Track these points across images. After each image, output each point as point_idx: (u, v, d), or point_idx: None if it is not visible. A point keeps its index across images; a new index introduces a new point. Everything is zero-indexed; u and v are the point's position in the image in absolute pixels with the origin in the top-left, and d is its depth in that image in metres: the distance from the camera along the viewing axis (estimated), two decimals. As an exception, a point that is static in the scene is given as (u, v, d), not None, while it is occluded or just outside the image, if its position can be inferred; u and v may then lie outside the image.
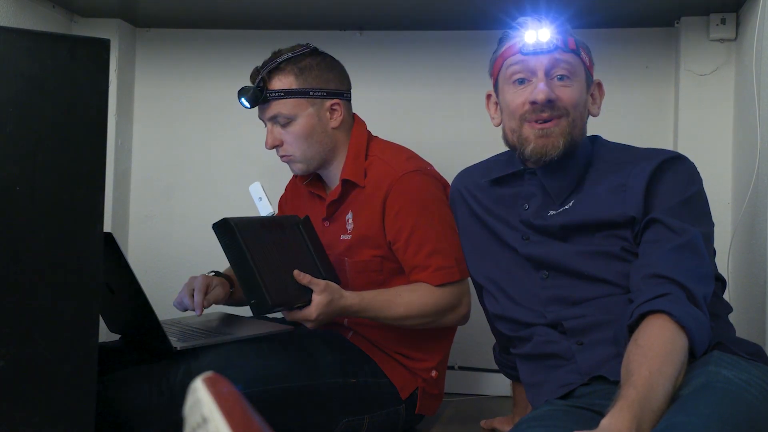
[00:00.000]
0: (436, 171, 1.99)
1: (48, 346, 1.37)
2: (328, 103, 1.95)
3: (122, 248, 2.01)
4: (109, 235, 1.69)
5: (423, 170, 1.94)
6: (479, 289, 1.77)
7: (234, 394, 0.96)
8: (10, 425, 1.34)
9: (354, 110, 2.05)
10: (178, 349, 1.77)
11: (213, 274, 2.08)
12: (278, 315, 2.10)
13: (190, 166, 2.71)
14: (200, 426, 0.94)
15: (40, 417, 1.36)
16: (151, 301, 1.78)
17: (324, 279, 1.80)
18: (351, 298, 1.82)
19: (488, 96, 1.70)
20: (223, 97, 2.59)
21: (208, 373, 0.97)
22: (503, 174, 1.67)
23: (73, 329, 1.39)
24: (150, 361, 1.82)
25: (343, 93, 1.98)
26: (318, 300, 1.76)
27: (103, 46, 1.41)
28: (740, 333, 1.58)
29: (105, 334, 1.96)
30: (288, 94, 1.92)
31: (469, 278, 1.92)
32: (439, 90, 2.55)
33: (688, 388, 1.27)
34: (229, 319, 2.12)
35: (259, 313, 1.73)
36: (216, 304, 2.04)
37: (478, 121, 2.40)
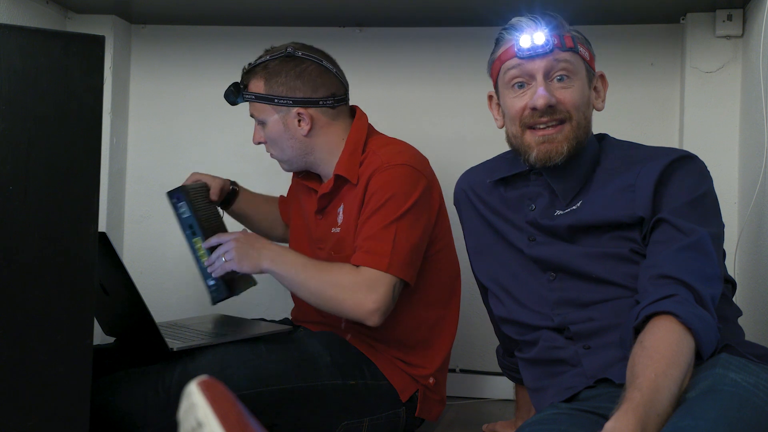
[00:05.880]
0: (431, 170, 1.95)
1: (41, 347, 1.35)
2: (294, 111, 1.92)
3: (117, 248, 1.99)
4: (103, 235, 1.67)
5: (411, 165, 1.88)
6: (483, 291, 1.75)
7: (229, 397, 0.96)
8: (4, 428, 1.33)
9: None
10: (175, 350, 1.75)
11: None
12: (277, 317, 2.09)
13: (186, 164, 2.67)
14: (195, 430, 0.95)
15: (33, 420, 1.35)
16: (147, 303, 1.76)
17: None
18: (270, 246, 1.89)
19: (490, 97, 1.68)
20: (219, 95, 2.55)
21: (203, 377, 0.97)
22: (508, 174, 1.65)
23: (67, 330, 1.37)
24: (146, 362, 1.80)
25: (317, 101, 1.92)
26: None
27: (98, 43, 1.39)
28: (748, 335, 1.56)
29: (100, 338, 1.94)
30: (257, 98, 1.93)
31: (408, 286, 1.86)
32: (440, 87, 2.54)
33: (695, 391, 1.26)
34: (226, 320, 2.11)
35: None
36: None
37: (479, 118, 2.40)
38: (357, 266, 1.80)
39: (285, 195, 2.26)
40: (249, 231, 1.91)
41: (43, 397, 1.35)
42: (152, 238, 2.69)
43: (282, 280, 1.85)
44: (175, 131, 2.69)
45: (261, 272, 1.86)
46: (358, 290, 1.78)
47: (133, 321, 1.84)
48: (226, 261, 1.85)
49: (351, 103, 2.03)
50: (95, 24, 2.54)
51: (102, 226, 2.41)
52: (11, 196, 1.32)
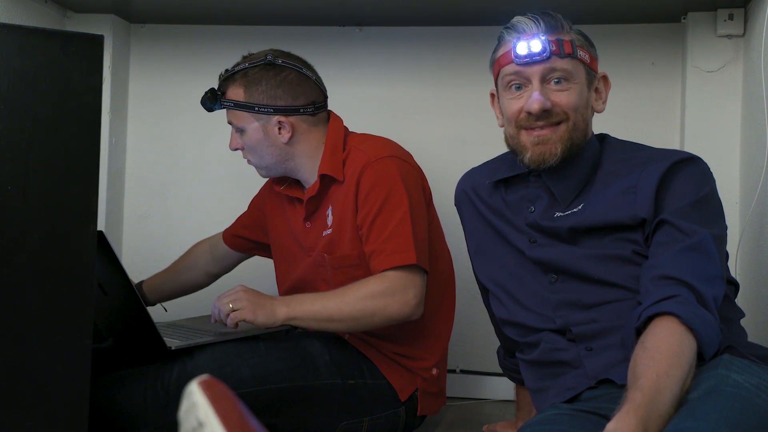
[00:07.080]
0: (415, 161, 1.96)
1: (40, 347, 1.34)
2: (275, 119, 1.91)
3: (116, 249, 1.98)
4: (101, 234, 1.66)
5: (398, 156, 1.90)
6: (484, 292, 1.75)
7: (230, 397, 0.95)
8: (4, 428, 1.32)
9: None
10: (173, 348, 1.75)
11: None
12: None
13: (185, 164, 2.68)
14: (196, 430, 0.94)
15: (33, 420, 1.34)
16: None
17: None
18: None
19: (492, 95, 1.67)
20: (219, 95, 2.57)
21: (204, 376, 0.96)
22: (508, 176, 1.65)
23: (66, 331, 1.36)
24: (145, 362, 1.80)
25: (298, 109, 1.92)
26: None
27: (97, 42, 1.38)
28: (749, 336, 1.56)
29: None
30: (237, 106, 1.92)
31: (427, 275, 1.86)
32: (440, 87, 2.53)
33: (697, 391, 1.25)
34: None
35: None
36: None
37: (479, 118, 2.40)
38: (383, 271, 1.80)
39: (234, 224, 2.27)
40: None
41: (42, 397, 1.35)
42: (151, 238, 2.69)
43: (308, 322, 1.81)
44: (174, 131, 2.69)
45: (274, 324, 1.80)
46: (396, 292, 1.79)
47: (132, 321, 1.84)
48: (234, 309, 1.77)
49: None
50: (94, 23, 2.53)
51: (101, 226, 2.40)
52: (10, 196, 1.31)
